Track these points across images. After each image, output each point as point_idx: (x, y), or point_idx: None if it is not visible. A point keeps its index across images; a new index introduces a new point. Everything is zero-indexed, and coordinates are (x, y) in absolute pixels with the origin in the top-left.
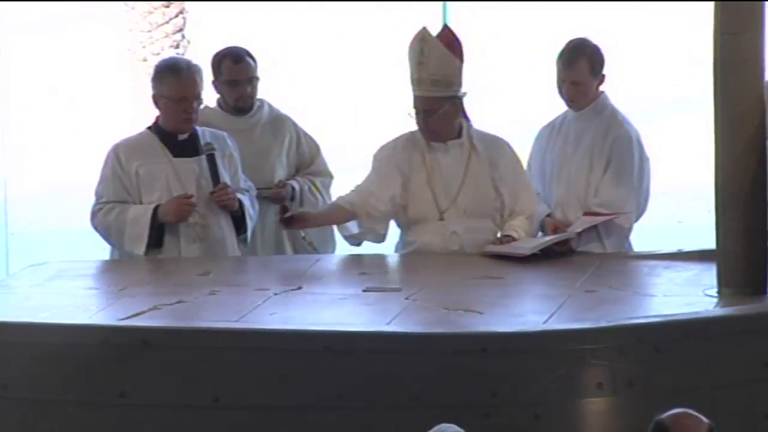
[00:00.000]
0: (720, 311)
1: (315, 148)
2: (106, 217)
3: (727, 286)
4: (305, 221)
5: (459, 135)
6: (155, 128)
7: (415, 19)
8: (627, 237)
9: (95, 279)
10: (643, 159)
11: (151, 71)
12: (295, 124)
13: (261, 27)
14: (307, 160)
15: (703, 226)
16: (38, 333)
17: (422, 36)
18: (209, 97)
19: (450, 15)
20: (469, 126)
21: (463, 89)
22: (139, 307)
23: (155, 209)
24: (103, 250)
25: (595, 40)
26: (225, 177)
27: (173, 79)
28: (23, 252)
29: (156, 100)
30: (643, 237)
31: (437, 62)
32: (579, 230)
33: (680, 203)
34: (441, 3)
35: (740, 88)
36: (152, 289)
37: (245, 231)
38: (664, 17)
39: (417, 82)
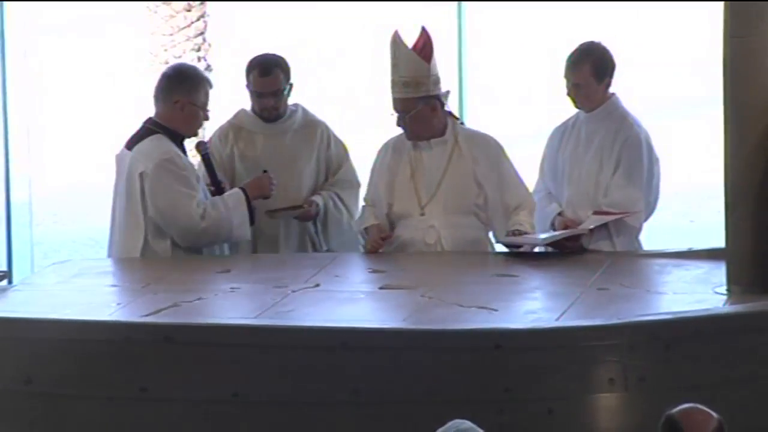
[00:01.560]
0: (729, 309)
1: (343, 155)
2: (215, 211)
3: (736, 284)
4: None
5: (443, 133)
6: (164, 131)
7: (432, 19)
8: (636, 236)
9: (117, 276)
10: (653, 160)
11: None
12: (327, 130)
13: (282, 30)
14: (335, 166)
15: (714, 226)
16: (62, 329)
17: (393, 39)
18: (245, 100)
19: (464, 15)
20: (455, 124)
21: (445, 88)
22: (161, 304)
23: (244, 191)
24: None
25: (609, 41)
26: (220, 175)
27: (208, 89)
28: (48, 250)
29: (182, 105)
30: (654, 236)
31: (406, 65)
32: (590, 227)
33: (692, 203)
34: (456, 3)
35: (749, 90)
36: (173, 286)
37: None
38: (677, 18)
39: (392, 84)
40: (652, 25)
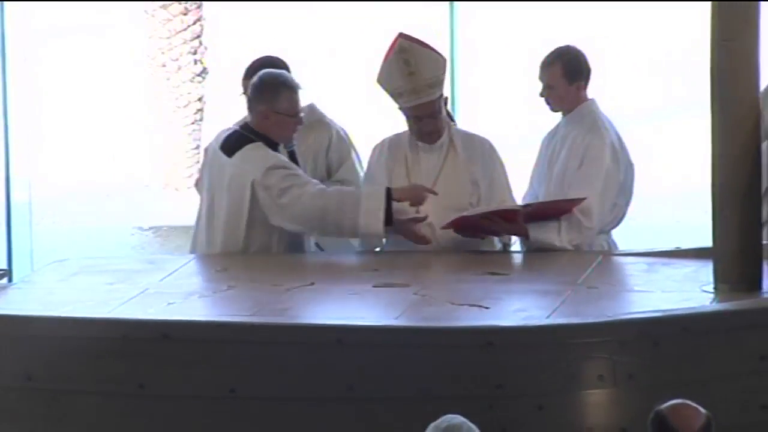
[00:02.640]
0: (717, 306)
1: (345, 153)
2: (318, 190)
3: (723, 282)
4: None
5: (441, 135)
6: (260, 138)
7: (423, 19)
8: (590, 236)
9: (116, 275)
10: (621, 165)
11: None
12: (331, 129)
13: (278, 33)
14: (335, 165)
15: (701, 225)
16: (61, 327)
17: (402, 48)
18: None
19: (457, 17)
20: (450, 125)
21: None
22: (159, 302)
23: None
24: (121, 248)
25: (601, 41)
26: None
27: (290, 94)
28: (47, 249)
29: (267, 114)
30: (642, 235)
31: (427, 66)
32: (522, 204)
33: (679, 203)
34: (448, 4)
35: (736, 93)
36: (171, 284)
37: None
38: (668, 20)
39: (413, 92)
40: (643, 26)
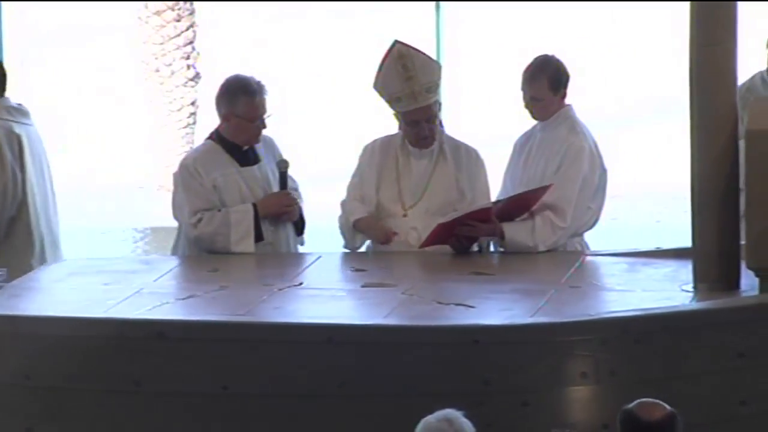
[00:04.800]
0: (696, 305)
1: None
2: (209, 226)
3: (702, 281)
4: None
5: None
6: (219, 139)
7: (410, 22)
8: (563, 236)
9: (111, 275)
10: (596, 169)
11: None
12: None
13: (269, 40)
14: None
15: (680, 226)
16: (58, 326)
17: (400, 53)
18: None
19: (443, 19)
20: (441, 131)
21: None
22: (154, 302)
23: (255, 207)
24: (117, 249)
25: (582, 43)
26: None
27: (248, 98)
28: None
29: (228, 117)
30: (623, 236)
31: (426, 71)
32: (492, 202)
33: (659, 204)
34: (434, 3)
35: (715, 96)
36: (165, 284)
37: (302, 232)
38: (648, 21)
39: (411, 96)
40: (626, 26)
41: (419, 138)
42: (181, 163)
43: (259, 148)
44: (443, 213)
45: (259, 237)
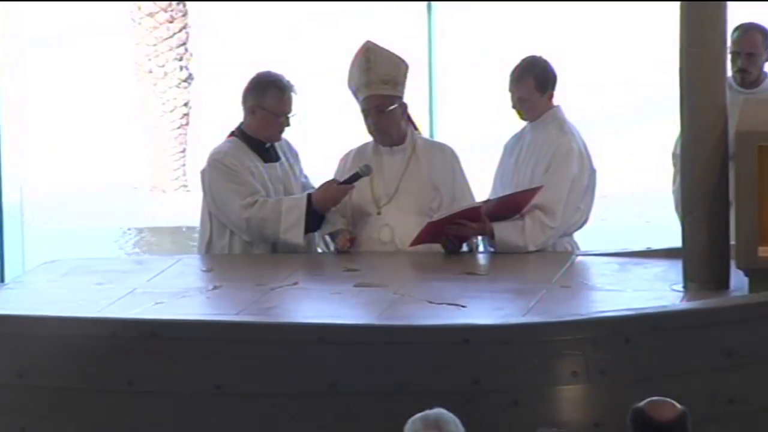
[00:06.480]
0: (686, 305)
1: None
2: (261, 211)
3: (692, 281)
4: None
5: (404, 140)
6: (242, 136)
7: (402, 24)
8: (553, 236)
9: (105, 275)
10: (585, 170)
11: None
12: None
13: (262, 39)
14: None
15: (670, 226)
16: (52, 325)
17: (368, 47)
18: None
19: (434, 20)
20: (413, 132)
21: (414, 94)
22: (147, 301)
23: (309, 197)
24: (110, 249)
25: (573, 43)
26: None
27: (279, 94)
28: (38, 250)
29: (254, 110)
30: (613, 236)
31: (386, 64)
32: (483, 201)
33: (648, 204)
34: (425, 3)
35: (705, 98)
36: (159, 284)
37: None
38: (638, 19)
39: (366, 85)
40: (616, 25)
41: (376, 132)
42: (212, 160)
43: (279, 146)
44: (417, 211)
45: (310, 228)
